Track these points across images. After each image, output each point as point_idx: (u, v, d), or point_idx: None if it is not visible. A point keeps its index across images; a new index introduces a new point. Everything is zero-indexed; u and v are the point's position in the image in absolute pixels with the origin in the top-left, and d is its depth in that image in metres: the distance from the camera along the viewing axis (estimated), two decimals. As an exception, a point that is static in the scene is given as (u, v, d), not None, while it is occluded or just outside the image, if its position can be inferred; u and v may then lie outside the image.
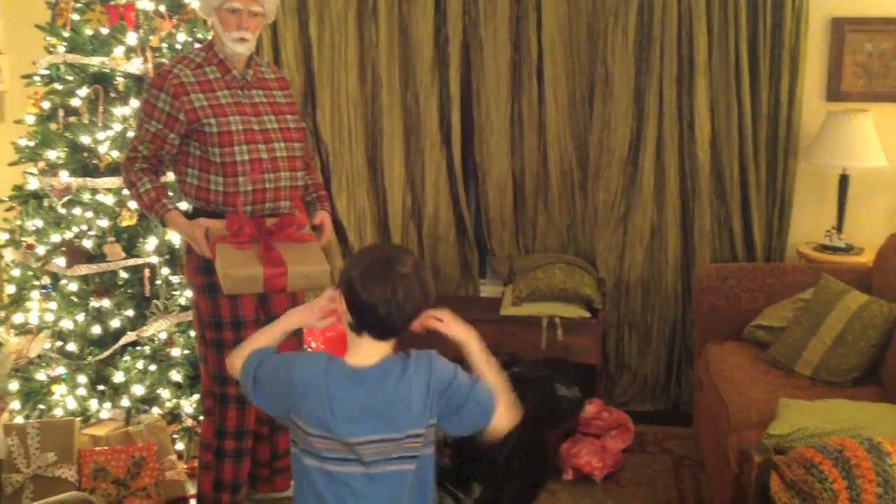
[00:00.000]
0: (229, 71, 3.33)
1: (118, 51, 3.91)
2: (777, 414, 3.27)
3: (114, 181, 3.88)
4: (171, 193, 3.50)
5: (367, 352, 2.22)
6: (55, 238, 3.94)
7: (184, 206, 3.50)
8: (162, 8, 4.03)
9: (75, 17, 3.97)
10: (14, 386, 3.98)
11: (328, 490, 2.22)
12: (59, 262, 3.91)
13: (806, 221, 4.81)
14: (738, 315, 4.23)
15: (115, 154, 3.88)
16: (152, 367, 3.93)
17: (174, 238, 3.92)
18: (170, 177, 3.74)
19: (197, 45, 4.08)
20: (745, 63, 4.61)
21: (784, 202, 4.74)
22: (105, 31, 3.92)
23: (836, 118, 4.46)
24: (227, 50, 3.30)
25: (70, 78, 3.98)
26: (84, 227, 3.93)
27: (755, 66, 4.64)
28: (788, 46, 4.58)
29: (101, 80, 3.95)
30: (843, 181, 4.54)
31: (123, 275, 3.97)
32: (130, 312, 3.94)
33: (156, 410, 3.92)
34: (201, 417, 3.91)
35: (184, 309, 3.95)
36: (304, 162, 3.51)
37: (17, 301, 4.10)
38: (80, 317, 3.94)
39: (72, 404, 3.91)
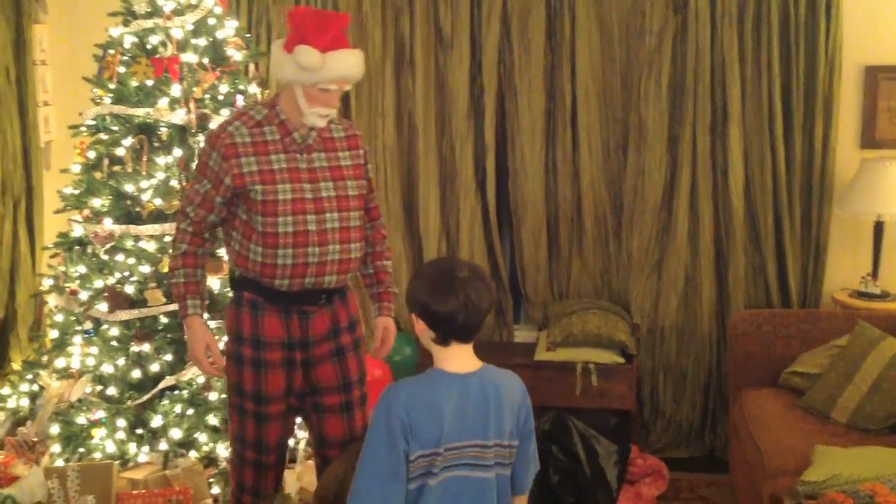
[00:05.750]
0: (289, 133, 3.08)
1: (162, 102, 4.02)
2: (812, 461, 3.26)
3: (156, 228, 3.97)
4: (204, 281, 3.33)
5: (460, 356, 2.41)
6: (98, 284, 4.02)
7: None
8: (205, 60, 4.14)
9: (122, 69, 4.09)
10: (55, 429, 4.04)
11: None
12: (102, 307, 3.99)
13: (841, 268, 4.80)
14: (773, 361, 4.22)
15: (158, 202, 3.97)
16: (190, 412, 3.98)
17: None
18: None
19: (240, 98, 4.19)
20: (778, 111, 4.65)
21: (819, 249, 4.74)
22: (150, 83, 4.03)
23: (870, 165, 4.46)
24: (303, 120, 3.05)
25: (115, 128, 4.09)
26: (126, 274, 4.01)
27: (788, 114, 4.67)
28: (822, 94, 4.61)
29: (146, 131, 4.05)
30: (879, 228, 4.54)
31: (163, 320, 4.03)
32: (169, 357, 4.00)
33: (193, 454, 3.96)
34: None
35: (222, 354, 4.01)
36: (362, 232, 3.23)
37: (60, 346, 4.18)
38: (121, 361, 4.01)
39: (111, 448, 3.96)
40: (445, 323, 2.35)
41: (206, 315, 3.93)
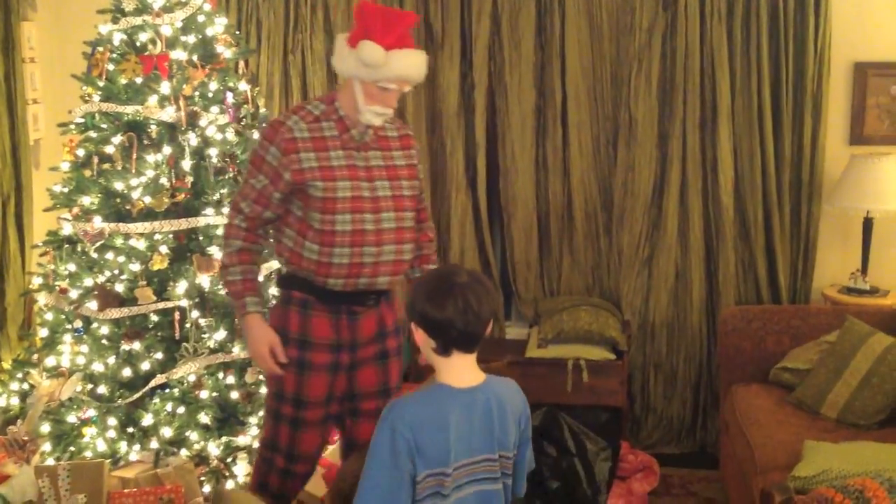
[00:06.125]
0: (347, 130, 3.03)
1: (152, 99, 4.00)
2: (803, 456, 3.27)
3: (146, 226, 3.95)
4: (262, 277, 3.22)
5: (463, 368, 2.34)
6: (88, 282, 4.01)
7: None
8: (195, 58, 4.13)
9: (111, 67, 4.07)
10: (45, 428, 4.03)
11: None
12: (92, 305, 3.98)
13: (830, 264, 4.81)
14: (763, 357, 4.23)
15: (148, 200, 3.95)
16: (181, 410, 3.97)
17: (204, 281, 3.98)
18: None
19: (230, 95, 4.18)
20: (767, 108, 4.66)
21: (808, 245, 4.75)
22: (139, 80, 4.02)
23: (859, 161, 4.48)
24: (359, 117, 3.00)
25: (104, 126, 4.08)
26: (116, 272, 4.00)
27: (778, 110, 4.68)
28: (811, 91, 4.62)
29: (135, 128, 4.04)
30: (868, 224, 4.55)
31: (154, 318, 4.02)
32: (160, 355, 3.99)
33: (184, 452, 3.96)
34: (229, 460, 3.95)
35: (213, 352, 4.01)
36: (414, 235, 3.17)
37: (50, 344, 4.17)
38: (111, 359, 4.00)
39: (101, 446, 3.95)
40: (444, 330, 2.28)
41: (196, 314, 3.98)
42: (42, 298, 4.25)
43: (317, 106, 3.06)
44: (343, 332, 3.07)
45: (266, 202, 3.03)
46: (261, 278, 3.37)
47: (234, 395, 4.04)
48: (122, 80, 4.03)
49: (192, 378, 4.00)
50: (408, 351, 3.65)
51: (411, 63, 2.95)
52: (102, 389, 4.00)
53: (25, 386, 4.32)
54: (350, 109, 3.01)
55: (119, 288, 3.98)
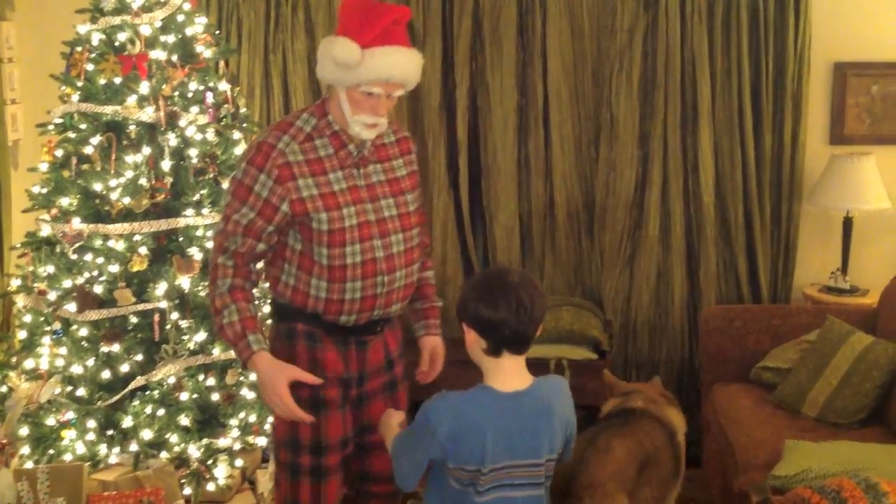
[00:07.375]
0: (344, 146, 2.69)
1: (131, 99, 3.98)
2: (783, 455, 3.28)
3: (125, 227, 3.93)
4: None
5: (511, 371, 2.36)
6: (67, 284, 3.98)
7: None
8: (174, 57, 4.10)
9: (89, 67, 4.05)
10: (24, 431, 4.00)
11: None
12: (70, 307, 3.95)
13: (811, 263, 4.83)
14: (744, 356, 4.24)
15: (127, 200, 3.93)
16: (161, 412, 3.95)
17: (184, 283, 3.96)
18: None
19: (209, 95, 4.16)
20: (747, 108, 4.67)
21: (789, 244, 4.77)
22: (118, 80, 3.99)
23: (839, 161, 4.50)
24: (349, 130, 2.67)
25: (83, 126, 4.05)
26: (95, 273, 3.97)
27: (758, 110, 4.69)
28: (791, 91, 4.64)
29: (114, 129, 4.01)
30: (847, 223, 4.57)
31: (133, 319, 4.00)
32: (140, 357, 3.97)
33: (164, 455, 3.94)
34: (209, 462, 3.93)
35: (193, 353, 3.99)
36: (421, 249, 2.89)
37: (29, 346, 4.14)
38: (90, 362, 3.97)
39: (81, 449, 3.92)
40: (496, 330, 2.28)
41: (176, 315, 3.96)
42: (20, 300, 4.22)
43: (307, 121, 2.71)
44: (352, 363, 2.80)
45: (256, 238, 2.67)
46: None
47: (215, 396, 4.02)
48: (101, 81, 4.01)
49: (172, 380, 3.98)
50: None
51: (394, 61, 2.58)
52: (82, 392, 3.97)
53: (4, 389, 4.28)
54: (343, 122, 2.67)
55: (98, 289, 3.95)
